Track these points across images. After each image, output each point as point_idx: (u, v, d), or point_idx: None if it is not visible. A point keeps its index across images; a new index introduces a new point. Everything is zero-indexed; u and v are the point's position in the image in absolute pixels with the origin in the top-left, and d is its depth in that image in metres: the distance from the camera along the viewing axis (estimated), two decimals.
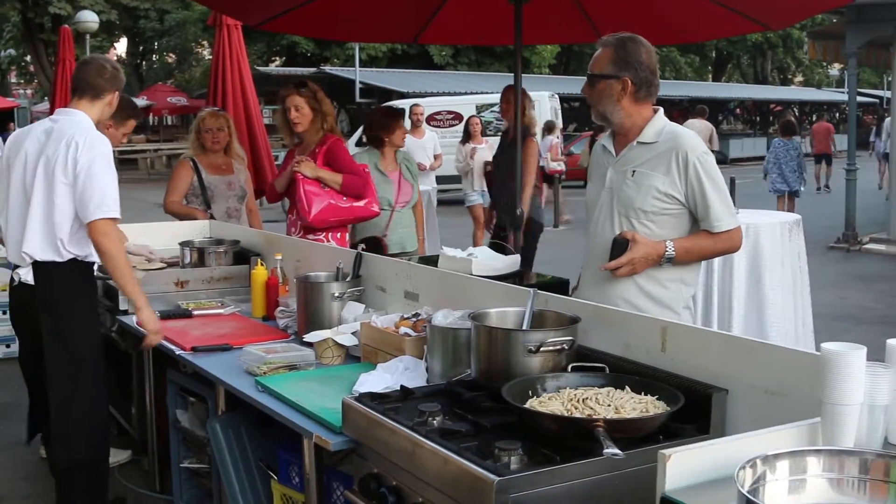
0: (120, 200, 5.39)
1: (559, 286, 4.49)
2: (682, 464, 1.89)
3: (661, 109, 3.75)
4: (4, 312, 8.21)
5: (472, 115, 14.87)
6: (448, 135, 20.99)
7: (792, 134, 16.61)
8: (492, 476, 2.17)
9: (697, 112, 20.28)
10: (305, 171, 5.67)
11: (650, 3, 6.86)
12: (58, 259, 4.22)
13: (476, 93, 26.16)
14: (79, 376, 4.28)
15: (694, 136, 3.71)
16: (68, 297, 4.27)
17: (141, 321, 4.33)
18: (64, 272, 4.25)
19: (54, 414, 4.34)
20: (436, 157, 13.31)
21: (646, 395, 2.57)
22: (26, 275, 4.28)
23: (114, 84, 4.46)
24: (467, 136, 13.63)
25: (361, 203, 5.88)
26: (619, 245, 3.59)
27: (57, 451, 4.39)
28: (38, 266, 4.24)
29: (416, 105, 14.14)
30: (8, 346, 8.30)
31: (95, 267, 4.44)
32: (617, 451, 2.18)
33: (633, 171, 3.64)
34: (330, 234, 5.84)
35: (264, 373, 3.57)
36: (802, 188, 16.26)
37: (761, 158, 21.71)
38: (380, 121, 6.91)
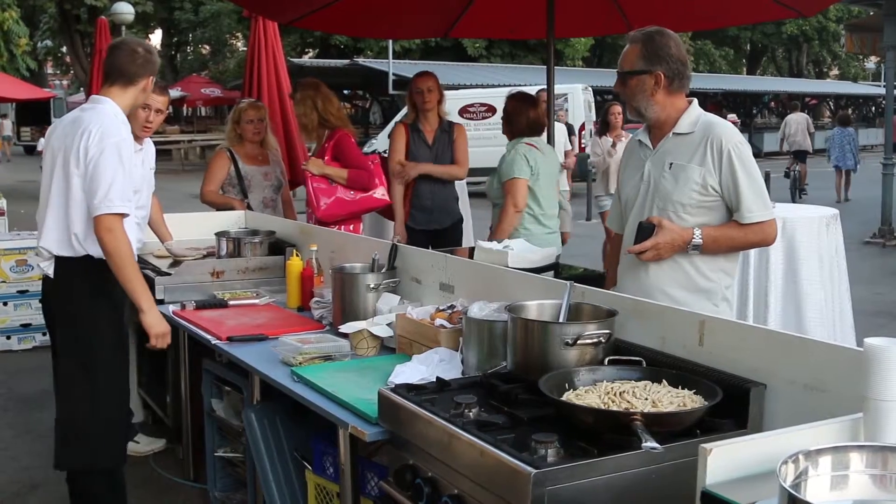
0: (154, 191, 5.39)
1: (593, 279, 4.47)
2: (722, 458, 1.88)
3: (696, 100, 3.73)
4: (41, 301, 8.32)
5: (613, 104, 11.36)
6: (481, 127, 20.94)
7: (847, 124, 21.29)
8: (529, 468, 2.16)
9: (793, 107, 25.04)
10: (312, 169, 5.97)
11: None
12: (73, 255, 4.06)
13: (510, 85, 26.09)
14: (90, 378, 4.09)
15: (729, 125, 3.70)
16: (84, 295, 4.10)
17: (146, 324, 4.11)
18: (81, 269, 4.07)
19: (61, 416, 4.19)
20: (566, 153, 11.27)
21: (683, 389, 2.55)
22: (47, 267, 4.17)
23: (146, 69, 4.21)
24: (605, 127, 11.20)
25: (372, 194, 6.13)
26: (645, 229, 3.58)
27: (61, 455, 4.19)
28: (57, 261, 4.12)
29: (539, 92, 10.04)
30: (44, 333, 8.37)
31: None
32: (655, 444, 2.17)
33: (671, 164, 3.63)
34: (343, 226, 6.02)
35: (300, 363, 3.59)
36: (858, 165, 20.42)
37: None
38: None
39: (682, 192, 3.58)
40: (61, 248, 4.08)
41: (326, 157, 5.99)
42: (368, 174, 6.10)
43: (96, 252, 4.01)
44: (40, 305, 8.22)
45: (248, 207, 6.44)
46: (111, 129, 4.00)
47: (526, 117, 5.94)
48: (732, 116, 24.51)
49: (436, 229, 6.53)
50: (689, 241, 3.55)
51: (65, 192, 4.04)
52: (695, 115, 3.67)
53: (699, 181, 3.55)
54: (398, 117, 23.38)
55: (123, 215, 3.97)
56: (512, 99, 6.09)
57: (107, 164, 3.93)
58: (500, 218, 5.79)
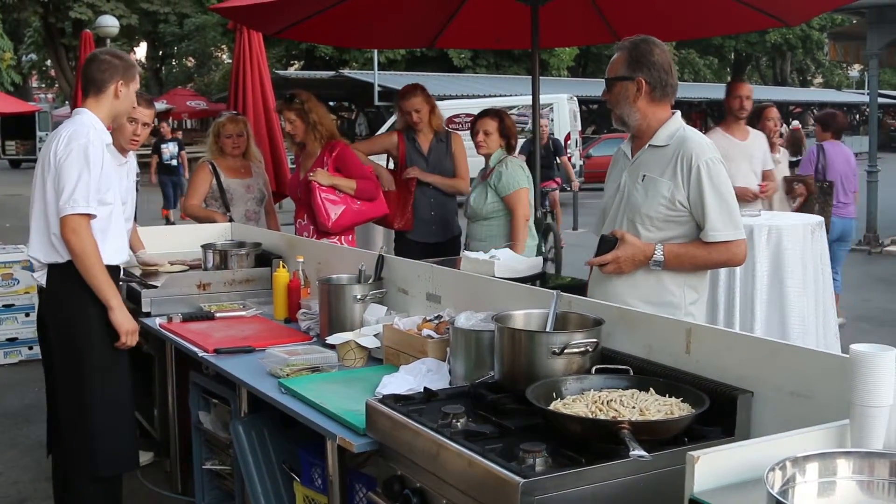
0: (138, 204, 5.39)
1: (580, 288, 4.48)
2: (710, 465, 1.88)
3: (678, 112, 3.71)
4: (27, 315, 8.30)
5: (768, 106, 8.37)
6: (466, 138, 20.93)
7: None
8: (517, 478, 2.16)
9: (796, 114, 29.60)
10: (321, 179, 5.87)
11: (666, 2, 6.85)
12: (59, 260, 4.08)
13: (495, 95, 26.16)
14: (88, 384, 4.12)
15: (704, 140, 3.64)
16: (77, 301, 4.11)
17: (115, 322, 4.13)
18: (69, 274, 4.07)
19: (65, 424, 4.22)
20: (765, 174, 7.20)
21: (670, 397, 2.56)
22: (40, 278, 4.18)
23: (115, 74, 4.23)
24: None
25: (373, 203, 6.07)
26: (607, 242, 3.60)
27: (66, 463, 4.23)
28: (49, 270, 4.13)
29: (738, 83, 7.36)
30: (30, 347, 8.35)
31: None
32: (643, 452, 2.17)
33: (644, 176, 3.62)
34: (341, 236, 6.00)
35: (287, 375, 3.58)
36: None
37: None
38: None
39: (650, 205, 3.57)
40: (47, 254, 4.10)
41: (328, 169, 5.96)
42: (375, 184, 6.08)
43: None
44: (26, 319, 8.30)
45: (230, 221, 6.43)
46: (79, 132, 4.06)
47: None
48: (796, 123, 26.45)
49: (433, 242, 6.48)
50: (649, 256, 3.55)
51: (42, 199, 4.09)
52: (673, 127, 3.64)
53: (667, 195, 3.54)
54: (384, 129, 23.50)
55: (89, 216, 4.01)
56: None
57: (71, 164, 3.98)
58: (515, 231, 5.80)
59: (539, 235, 6.52)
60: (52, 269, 4.13)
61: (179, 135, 22.30)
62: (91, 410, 4.13)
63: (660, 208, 3.56)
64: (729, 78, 54.16)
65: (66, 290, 4.12)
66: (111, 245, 4.20)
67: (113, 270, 4.25)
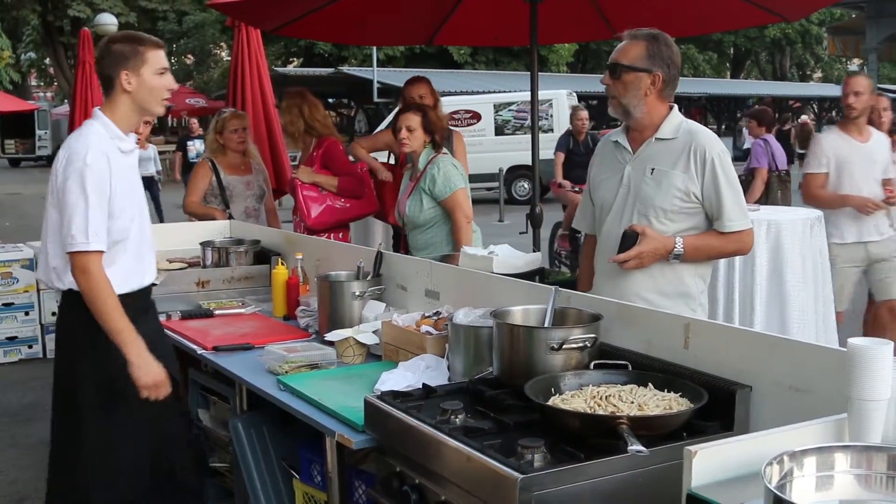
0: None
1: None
2: (708, 460, 1.88)
3: (676, 106, 3.73)
4: (27, 313, 8.29)
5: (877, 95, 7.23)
6: (466, 134, 20.87)
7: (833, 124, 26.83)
8: (515, 473, 2.16)
9: (806, 111, 30.03)
10: (302, 177, 5.97)
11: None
12: (60, 287, 3.64)
13: (494, 91, 26.13)
14: (80, 425, 3.60)
15: (711, 133, 3.71)
16: (75, 331, 3.64)
17: (133, 376, 3.49)
18: (71, 302, 3.62)
19: (49, 465, 3.79)
20: (884, 182, 6.37)
21: (669, 392, 2.56)
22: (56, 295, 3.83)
23: (115, 63, 3.58)
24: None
25: (359, 201, 6.11)
26: (629, 238, 3.58)
27: None
28: (63, 293, 3.70)
29: (848, 77, 6.75)
30: (30, 346, 8.36)
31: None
32: (642, 448, 2.18)
33: (653, 169, 3.62)
34: (332, 234, 6.02)
35: (286, 372, 3.58)
36: None
37: None
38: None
39: (664, 198, 3.58)
40: (49, 281, 3.71)
41: (315, 166, 5.99)
42: (359, 182, 6.08)
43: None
44: (25, 318, 8.31)
45: (230, 218, 6.43)
46: (78, 152, 3.50)
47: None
48: (805, 118, 25.36)
49: None
50: (671, 249, 3.56)
51: (46, 222, 3.66)
52: (676, 121, 3.67)
53: (681, 188, 3.56)
54: (384, 125, 23.47)
55: (96, 252, 3.46)
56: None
57: (70, 194, 3.46)
58: (457, 235, 5.26)
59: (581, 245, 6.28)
60: (63, 293, 3.68)
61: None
62: (79, 455, 3.63)
63: (674, 201, 3.58)
64: (728, 74, 54.22)
65: (68, 318, 3.69)
66: (124, 270, 3.63)
67: (139, 297, 3.73)
